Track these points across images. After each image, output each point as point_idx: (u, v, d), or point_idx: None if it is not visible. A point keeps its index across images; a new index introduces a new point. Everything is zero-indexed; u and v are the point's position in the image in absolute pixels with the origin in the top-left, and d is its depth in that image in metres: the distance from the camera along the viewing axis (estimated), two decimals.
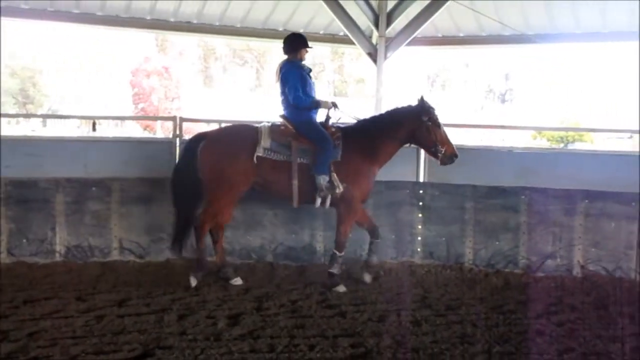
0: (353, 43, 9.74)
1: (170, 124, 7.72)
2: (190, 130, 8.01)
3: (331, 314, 5.27)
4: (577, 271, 6.62)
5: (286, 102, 6.19)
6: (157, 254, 6.81)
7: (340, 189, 5.95)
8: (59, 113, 30.75)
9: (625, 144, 19.55)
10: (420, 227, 6.96)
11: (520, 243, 6.75)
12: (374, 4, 9.55)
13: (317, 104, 6.15)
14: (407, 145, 6.40)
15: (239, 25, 10.70)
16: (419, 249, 6.95)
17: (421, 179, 7.30)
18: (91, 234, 6.75)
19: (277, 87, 6.31)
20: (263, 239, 6.88)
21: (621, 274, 6.51)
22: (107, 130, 24.29)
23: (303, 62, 6.29)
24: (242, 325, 4.90)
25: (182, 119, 7.55)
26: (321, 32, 10.80)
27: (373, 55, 9.60)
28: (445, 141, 6.10)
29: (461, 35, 10.89)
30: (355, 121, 6.34)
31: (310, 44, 6.33)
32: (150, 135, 25.43)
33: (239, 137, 6.14)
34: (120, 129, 26.86)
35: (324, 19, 10.45)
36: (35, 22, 12.34)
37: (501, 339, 4.75)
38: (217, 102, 34.64)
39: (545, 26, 10.09)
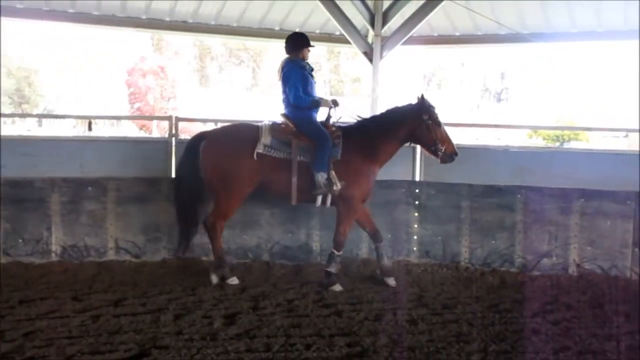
0: (349, 42, 9.73)
1: (166, 123, 7.70)
2: (187, 130, 8.01)
3: (327, 313, 5.27)
4: (572, 270, 6.65)
5: (287, 101, 6.20)
6: (153, 253, 6.81)
7: (337, 186, 5.95)
8: (55, 113, 30.70)
9: (620, 143, 19.61)
10: (416, 226, 6.97)
11: (516, 242, 6.76)
12: (370, 3, 9.54)
13: (317, 104, 6.16)
14: (407, 144, 6.41)
15: (234, 25, 10.68)
16: (415, 248, 6.96)
17: (417, 178, 7.30)
18: (87, 233, 6.74)
19: (278, 86, 6.32)
20: (259, 238, 6.88)
21: (617, 273, 6.54)
22: (103, 129, 24.22)
23: (306, 61, 6.30)
24: (238, 325, 4.90)
25: (178, 119, 7.54)
26: (317, 31, 10.78)
27: (369, 54, 9.60)
28: (446, 139, 6.10)
29: (457, 34, 10.89)
30: (355, 120, 6.35)
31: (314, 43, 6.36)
32: (146, 135, 25.35)
33: (240, 136, 6.15)
34: (116, 128, 26.79)
35: (320, 19, 10.44)
36: (30, 21, 12.28)
37: (497, 338, 4.76)
38: (213, 102, 34.63)
39: (541, 25, 10.10)
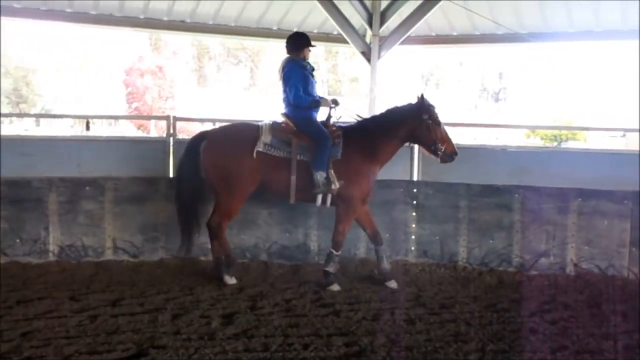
0: (347, 42, 9.74)
1: (164, 123, 7.70)
2: (185, 130, 8.01)
3: (325, 313, 5.28)
4: (570, 269, 6.65)
5: (287, 101, 6.21)
6: (151, 253, 6.81)
7: (336, 185, 5.95)
8: (53, 112, 30.65)
9: (618, 143, 19.63)
10: (414, 225, 6.97)
11: (513, 241, 6.77)
12: (368, 3, 9.54)
13: (317, 103, 6.17)
14: (406, 144, 6.42)
15: (232, 25, 10.68)
16: (413, 248, 6.97)
17: (415, 178, 7.30)
18: (85, 233, 6.73)
19: (278, 86, 6.32)
20: (257, 238, 6.88)
21: (614, 272, 6.55)
22: (101, 129, 24.18)
23: (307, 61, 6.31)
24: (236, 325, 4.90)
25: (176, 118, 7.53)
26: (315, 31, 10.78)
27: (367, 54, 9.61)
28: (446, 139, 6.10)
29: (455, 34, 10.89)
30: (356, 120, 6.35)
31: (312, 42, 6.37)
32: (144, 135, 25.34)
33: (240, 135, 6.16)
34: (113, 128, 26.75)
35: (318, 18, 10.44)
36: (28, 21, 12.25)
37: (495, 337, 4.77)
38: (211, 102, 34.59)
39: (539, 25, 10.11)
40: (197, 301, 5.52)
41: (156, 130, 25.25)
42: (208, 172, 6.11)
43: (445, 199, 6.92)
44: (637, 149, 7.53)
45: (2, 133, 8.13)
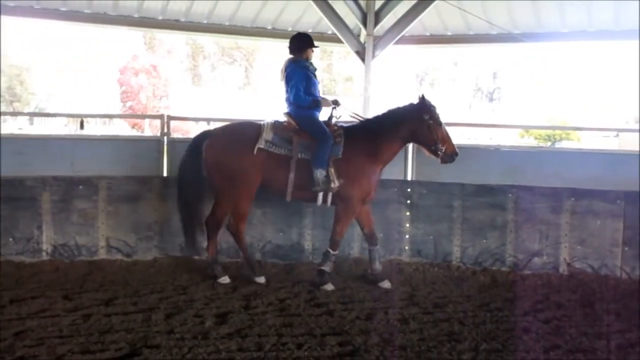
0: (341, 41, 9.75)
1: (158, 122, 7.68)
2: (179, 129, 8.00)
3: (319, 313, 5.27)
4: (563, 269, 6.68)
5: (289, 100, 6.23)
6: (145, 252, 6.80)
7: (335, 183, 5.96)
8: (46, 111, 30.56)
9: (611, 143, 19.71)
10: (408, 225, 6.98)
11: (507, 241, 6.79)
12: (362, 2, 9.56)
13: (317, 103, 6.19)
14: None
15: (227, 24, 10.68)
16: (406, 247, 6.98)
17: (409, 178, 7.32)
18: (78, 232, 6.72)
19: (279, 86, 6.36)
20: (251, 237, 6.86)
21: (606, 272, 6.57)
22: (95, 128, 24.12)
23: (309, 62, 6.32)
24: (229, 324, 4.89)
25: (170, 117, 7.54)
26: (309, 30, 10.75)
27: (361, 53, 9.62)
28: (446, 139, 6.09)
29: (449, 34, 10.92)
30: (357, 120, 6.36)
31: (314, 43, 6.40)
32: (138, 134, 25.30)
33: (243, 134, 6.17)
34: (108, 127, 26.69)
35: (312, 18, 10.45)
36: (23, 19, 12.22)
37: (488, 337, 4.78)
38: (206, 101, 34.57)
39: (532, 25, 10.14)
40: (191, 300, 5.51)
41: (150, 129, 25.21)
42: (210, 171, 6.11)
43: (439, 198, 6.93)
44: (630, 149, 7.56)
45: None
